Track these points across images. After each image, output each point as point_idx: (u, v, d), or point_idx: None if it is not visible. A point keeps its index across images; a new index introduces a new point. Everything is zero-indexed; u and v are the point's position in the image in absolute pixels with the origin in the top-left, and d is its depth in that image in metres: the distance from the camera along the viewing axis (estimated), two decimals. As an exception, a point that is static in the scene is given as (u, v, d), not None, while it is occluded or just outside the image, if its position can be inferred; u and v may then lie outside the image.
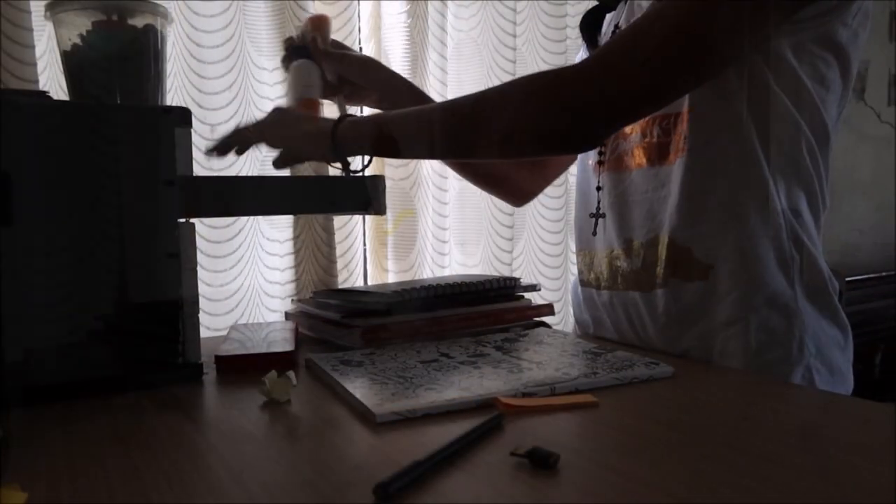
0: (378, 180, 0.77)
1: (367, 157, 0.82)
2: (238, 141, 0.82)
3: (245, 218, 1.21)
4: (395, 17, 1.38)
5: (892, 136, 2.74)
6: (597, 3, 0.91)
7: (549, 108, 0.67)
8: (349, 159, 0.80)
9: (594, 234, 0.84)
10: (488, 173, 1.04)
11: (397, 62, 1.38)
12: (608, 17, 0.89)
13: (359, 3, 1.34)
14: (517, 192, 1.09)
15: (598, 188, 0.84)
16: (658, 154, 0.76)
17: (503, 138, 0.70)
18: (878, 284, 2.49)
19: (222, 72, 1.17)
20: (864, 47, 0.72)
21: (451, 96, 1.46)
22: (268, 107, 1.24)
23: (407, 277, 1.42)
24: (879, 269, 2.55)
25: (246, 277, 1.22)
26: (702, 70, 0.65)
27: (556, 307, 0.94)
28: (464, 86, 1.48)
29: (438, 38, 1.42)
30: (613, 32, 0.85)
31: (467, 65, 1.48)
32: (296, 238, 1.27)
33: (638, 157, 0.79)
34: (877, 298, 2.45)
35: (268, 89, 1.24)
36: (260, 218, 1.24)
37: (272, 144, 0.81)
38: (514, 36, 1.49)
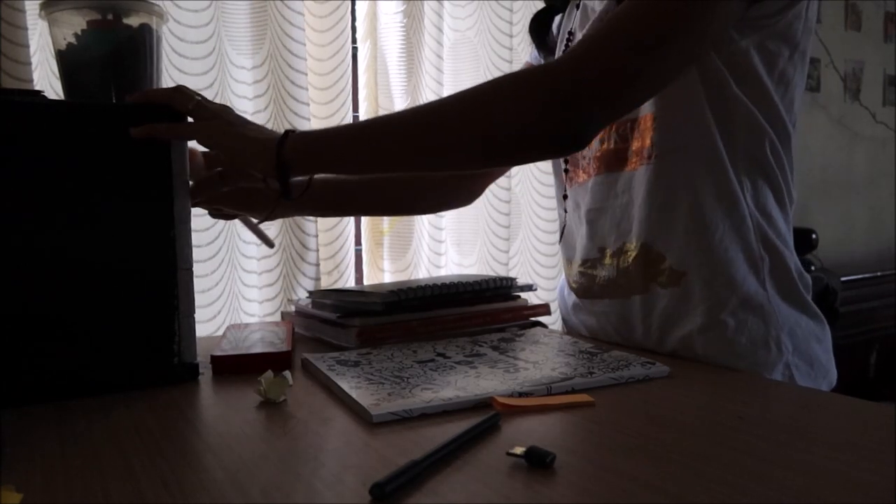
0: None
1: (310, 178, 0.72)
2: (171, 129, 0.67)
3: (221, 223, 1.19)
4: (392, 17, 1.38)
5: (887, 137, 2.75)
6: (545, 4, 0.91)
7: (536, 103, 0.61)
8: (293, 180, 0.68)
9: (561, 240, 0.84)
10: (433, 186, 0.97)
11: (393, 62, 1.38)
12: (557, 18, 0.89)
13: (351, 3, 1.34)
14: (461, 198, 1.02)
15: (565, 197, 0.84)
16: (616, 161, 0.76)
17: (485, 142, 0.64)
18: (873, 284, 2.50)
19: (201, 70, 1.16)
20: (813, 41, 0.72)
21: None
22: (245, 106, 1.23)
23: (403, 277, 1.42)
24: (874, 268, 2.56)
25: (227, 283, 1.22)
26: (688, 46, 0.63)
27: (552, 307, 0.94)
28: (460, 85, 1.48)
29: (435, 37, 1.42)
30: (568, 39, 0.85)
31: (464, 64, 1.48)
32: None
33: (596, 166, 0.79)
34: (872, 298, 2.46)
35: (245, 88, 1.23)
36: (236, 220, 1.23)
37: (210, 139, 0.68)
38: (511, 36, 1.49)
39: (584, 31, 0.79)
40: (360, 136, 0.69)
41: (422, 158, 0.68)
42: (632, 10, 0.62)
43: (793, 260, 0.74)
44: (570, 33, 0.85)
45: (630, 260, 0.76)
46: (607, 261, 0.79)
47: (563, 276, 0.91)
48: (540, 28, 0.91)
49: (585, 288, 0.82)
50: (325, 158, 0.69)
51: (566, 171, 0.84)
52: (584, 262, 0.82)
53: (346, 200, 0.94)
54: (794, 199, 0.75)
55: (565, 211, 0.84)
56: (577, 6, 0.84)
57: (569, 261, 0.86)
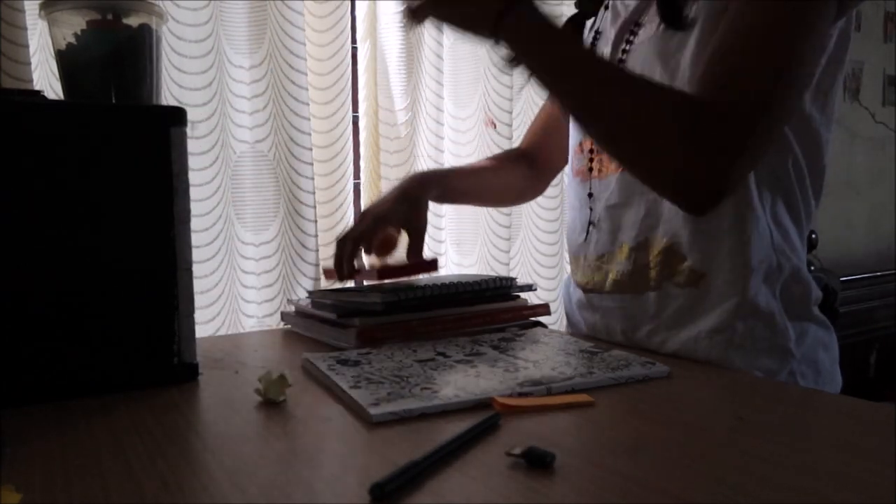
0: None
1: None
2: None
3: (221, 222, 1.20)
4: (392, 17, 1.37)
5: (887, 137, 2.75)
6: (576, 10, 0.91)
7: (691, 149, 0.62)
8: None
9: (586, 239, 0.84)
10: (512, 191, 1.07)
11: (393, 62, 1.38)
12: (588, 23, 0.89)
13: (351, 3, 1.34)
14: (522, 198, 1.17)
15: (590, 195, 0.84)
16: None
17: (639, 150, 0.65)
18: (872, 284, 2.50)
19: (200, 69, 1.16)
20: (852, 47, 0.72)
21: (447, 96, 1.46)
22: (244, 105, 1.23)
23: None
24: (874, 268, 2.56)
25: (227, 283, 1.21)
26: (801, 80, 0.65)
27: (553, 307, 0.94)
28: (460, 85, 1.48)
29: (435, 37, 1.42)
30: (595, 37, 0.85)
31: (464, 64, 1.48)
32: (270, 242, 1.26)
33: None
34: (871, 298, 2.46)
35: (244, 88, 1.23)
36: (235, 220, 1.23)
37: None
38: (511, 36, 1.49)
39: (658, 56, 0.76)
40: (568, 60, 0.70)
41: (595, 116, 0.68)
42: (743, 49, 0.62)
43: (805, 272, 0.74)
44: (598, 32, 0.85)
45: (650, 256, 0.76)
46: (625, 256, 0.78)
47: (569, 272, 0.91)
48: (573, 32, 0.91)
49: (596, 282, 0.82)
50: (531, 54, 0.71)
51: (590, 169, 0.83)
52: (599, 257, 0.82)
53: (462, 198, 1.03)
54: (812, 215, 0.76)
55: (590, 209, 0.83)
56: (607, 6, 0.83)
57: (581, 255, 0.85)
